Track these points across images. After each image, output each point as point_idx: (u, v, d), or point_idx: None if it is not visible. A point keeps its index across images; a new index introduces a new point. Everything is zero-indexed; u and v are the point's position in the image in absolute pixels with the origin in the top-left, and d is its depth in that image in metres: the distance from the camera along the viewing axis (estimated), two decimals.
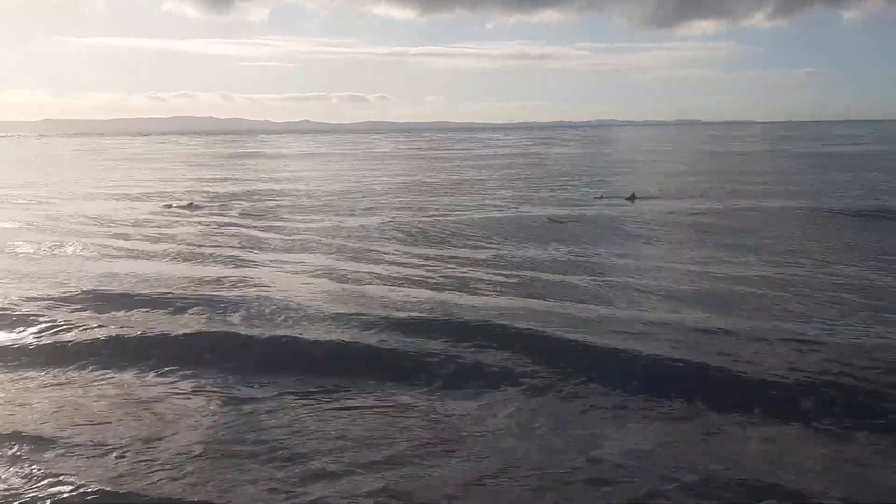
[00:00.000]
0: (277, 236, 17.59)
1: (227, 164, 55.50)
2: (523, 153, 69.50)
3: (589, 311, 10.20)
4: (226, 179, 38.24)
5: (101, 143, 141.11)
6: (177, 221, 21.14)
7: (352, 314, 9.68)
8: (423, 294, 11.01)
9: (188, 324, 9.60)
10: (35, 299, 10.89)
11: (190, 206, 25.05)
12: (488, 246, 15.98)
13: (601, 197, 25.62)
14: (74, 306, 10.49)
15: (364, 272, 13.01)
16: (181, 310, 10.27)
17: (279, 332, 8.93)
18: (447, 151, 75.52)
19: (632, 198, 24.95)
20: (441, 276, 12.48)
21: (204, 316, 9.93)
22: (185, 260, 14.84)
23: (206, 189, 32.20)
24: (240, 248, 15.98)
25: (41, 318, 9.66)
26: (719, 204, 23.22)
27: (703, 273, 12.84)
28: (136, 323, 9.68)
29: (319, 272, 13.32)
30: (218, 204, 25.96)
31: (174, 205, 25.42)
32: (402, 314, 9.76)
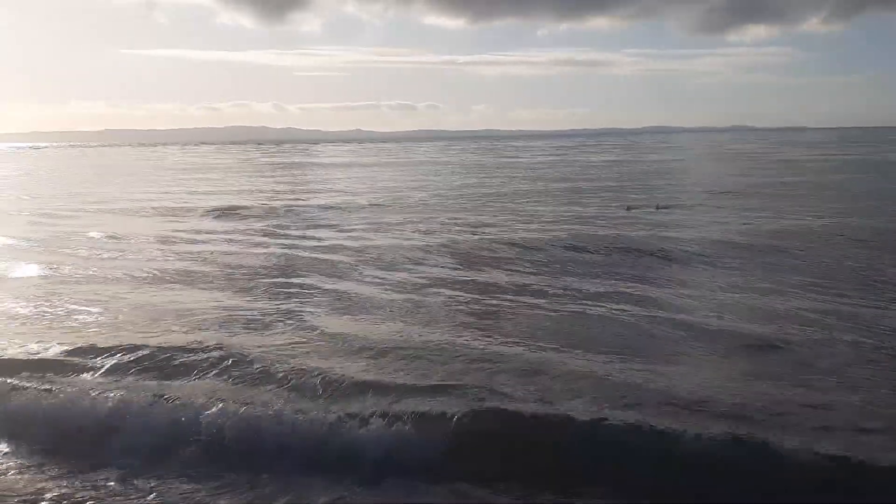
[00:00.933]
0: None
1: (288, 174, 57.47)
2: (563, 160, 69.95)
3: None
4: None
5: (157, 153, 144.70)
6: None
7: None
8: None
9: None
10: None
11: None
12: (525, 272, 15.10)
13: (628, 209, 25.92)
14: None
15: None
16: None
17: None
18: (500, 159, 76.70)
19: (657, 208, 25.39)
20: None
21: None
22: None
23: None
24: None
25: None
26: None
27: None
28: None
29: None
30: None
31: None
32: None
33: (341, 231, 21.32)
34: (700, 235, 18.23)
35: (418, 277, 14.09)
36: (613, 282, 13.46)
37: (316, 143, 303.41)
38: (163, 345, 9.73)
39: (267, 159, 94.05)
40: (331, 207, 28.56)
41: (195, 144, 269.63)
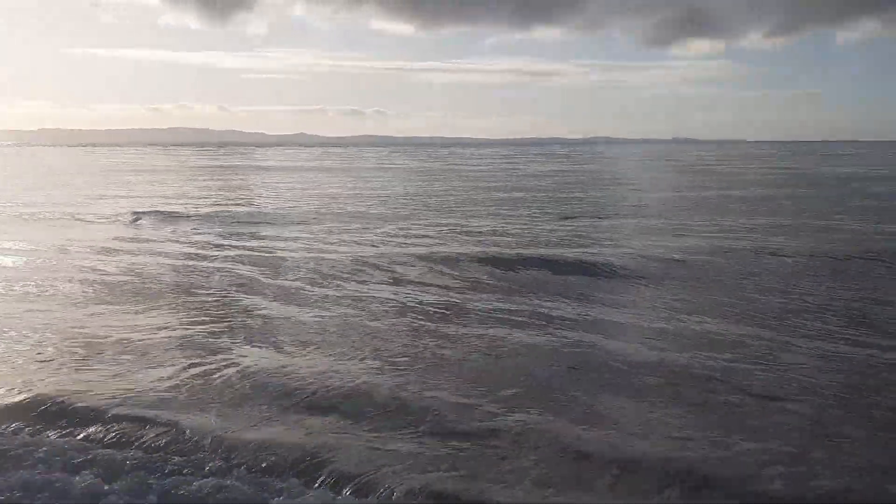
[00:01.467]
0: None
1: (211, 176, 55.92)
2: (504, 169, 69.94)
3: None
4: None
5: (92, 154, 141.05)
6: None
7: None
8: None
9: None
10: None
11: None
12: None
13: (563, 218, 25.63)
14: None
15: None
16: None
17: None
18: (446, 166, 76.22)
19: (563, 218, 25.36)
20: None
21: None
22: None
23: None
24: None
25: None
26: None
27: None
28: None
29: None
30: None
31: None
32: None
33: (257, 239, 20.63)
34: (622, 251, 17.78)
35: (334, 292, 13.52)
36: (529, 300, 12.98)
37: (260, 146, 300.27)
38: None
39: (205, 162, 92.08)
40: (254, 214, 27.67)
41: (141, 146, 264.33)
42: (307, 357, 9.48)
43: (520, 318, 11.48)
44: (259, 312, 11.99)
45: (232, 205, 31.55)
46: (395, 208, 29.62)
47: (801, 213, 26.22)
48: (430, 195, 35.99)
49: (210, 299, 12.92)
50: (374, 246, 19.03)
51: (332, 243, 19.56)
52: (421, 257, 16.92)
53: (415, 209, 29.21)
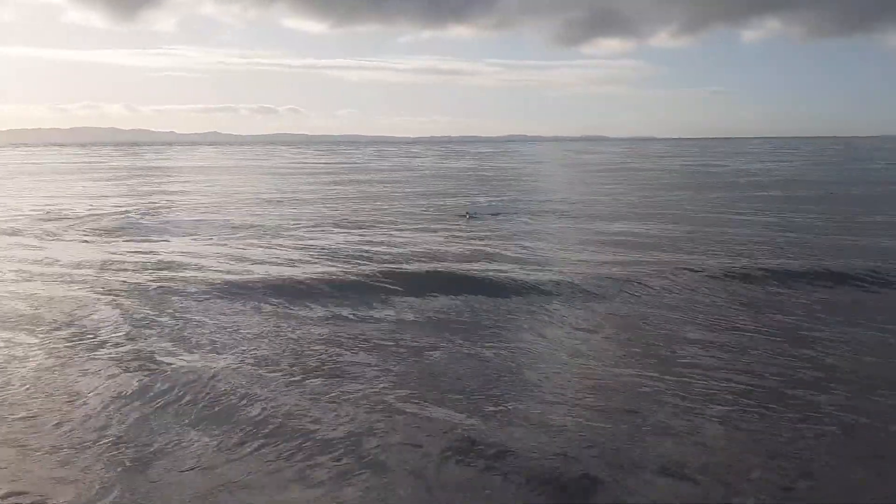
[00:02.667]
0: None
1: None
2: (415, 165, 68.90)
3: None
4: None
5: None
6: None
7: None
8: None
9: None
10: None
11: None
12: None
13: (468, 216, 24.81)
14: None
15: None
16: None
17: None
18: (357, 164, 74.54)
19: (467, 216, 24.71)
20: None
21: None
22: None
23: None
24: None
25: None
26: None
27: None
28: None
29: None
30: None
31: None
32: None
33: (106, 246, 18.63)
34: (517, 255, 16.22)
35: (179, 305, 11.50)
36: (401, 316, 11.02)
37: (170, 145, 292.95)
38: None
39: (110, 162, 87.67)
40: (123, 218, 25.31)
41: (44, 146, 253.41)
42: None
43: None
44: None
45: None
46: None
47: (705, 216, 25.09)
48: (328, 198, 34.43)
49: None
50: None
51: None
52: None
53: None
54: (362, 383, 7.64)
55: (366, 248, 17.31)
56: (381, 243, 18.14)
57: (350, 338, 9.47)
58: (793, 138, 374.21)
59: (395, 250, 16.92)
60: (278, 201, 30.43)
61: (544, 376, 7.77)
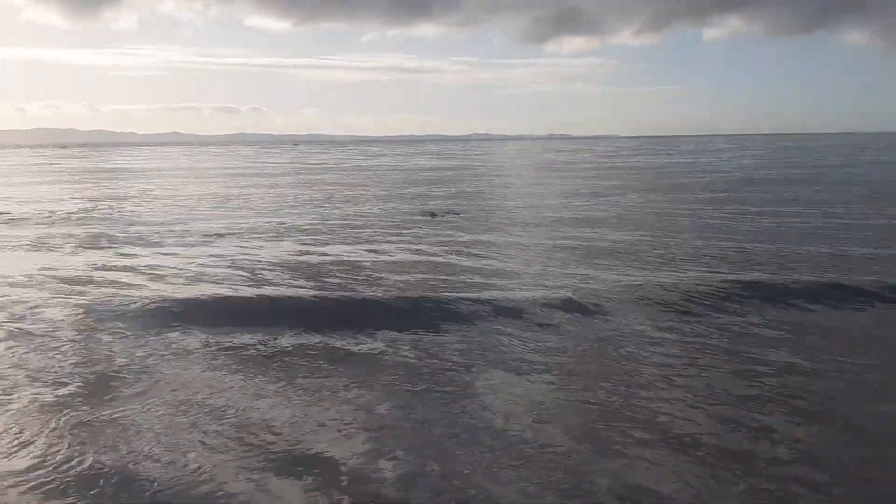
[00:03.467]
0: None
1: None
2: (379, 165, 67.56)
3: None
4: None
5: None
6: None
7: None
8: None
9: None
10: None
11: None
12: None
13: (432, 215, 24.13)
14: None
15: None
16: None
17: None
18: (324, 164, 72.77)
19: (431, 214, 24.21)
20: None
21: None
22: None
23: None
24: None
25: None
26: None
27: None
28: None
29: None
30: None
31: None
32: None
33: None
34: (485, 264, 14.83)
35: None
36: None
37: (130, 145, 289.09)
38: None
39: (65, 163, 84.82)
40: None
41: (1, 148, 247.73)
42: None
43: None
44: None
45: None
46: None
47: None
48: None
49: None
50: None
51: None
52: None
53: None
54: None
55: (311, 259, 15.56)
56: (330, 256, 16.07)
57: (248, 392, 7.41)
58: (755, 135, 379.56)
59: (350, 267, 14.75)
60: (234, 206, 28.93)
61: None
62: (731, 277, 12.22)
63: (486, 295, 11.25)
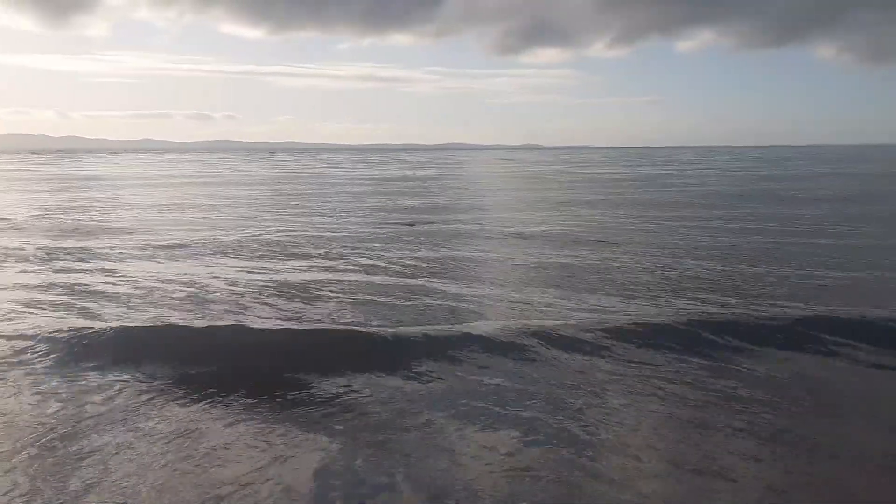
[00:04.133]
0: None
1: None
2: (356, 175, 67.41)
3: None
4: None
5: None
6: None
7: None
8: None
9: None
10: None
11: None
12: None
13: (412, 224, 24.72)
14: None
15: None
16: None
17: None
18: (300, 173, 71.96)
19: (411, 225, 24.65)
20: None
21: None
22: None
23: None
24: None
25: None
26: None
27: None
28: None
29: None
30: None
31: None
32: None
33: None
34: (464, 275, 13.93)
35: None
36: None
37: (102, 152, 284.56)
38: None
39: (35, 170, 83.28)
40: None
41: None
42: None
43: None
44: None
45: None
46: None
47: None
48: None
49: None
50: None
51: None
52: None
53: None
54: None
55: (270, 277, 13.85)
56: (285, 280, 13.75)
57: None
58: (726, 147, 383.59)
59: (304, 290, 12.72)
60: (200, 216, 27.29)
61: None
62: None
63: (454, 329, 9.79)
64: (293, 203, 34.15)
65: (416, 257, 16.62)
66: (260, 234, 20.63)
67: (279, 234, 21.12)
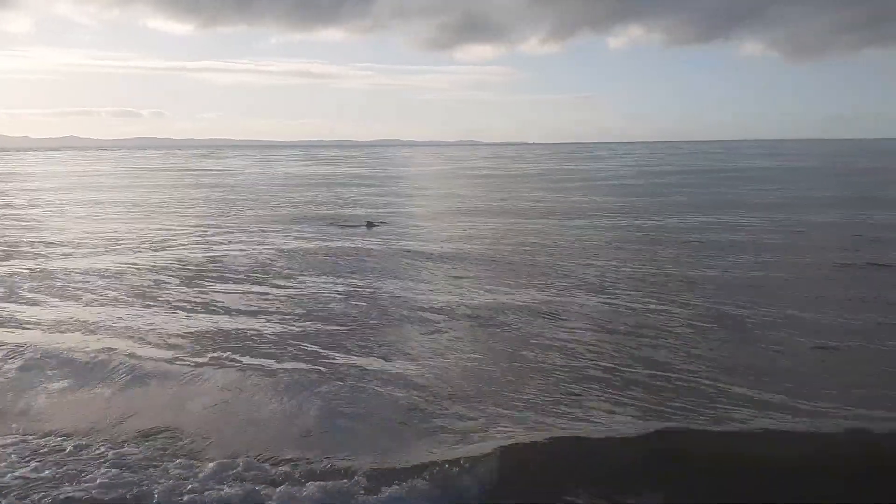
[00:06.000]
0: None
1: None
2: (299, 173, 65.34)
3: None
4: None
5: None
6: None
7: None
8: None
9: None
10: None
11: None
12: None
13: (368, 225, 22.99)
14: None
15: None
16: None
17: None
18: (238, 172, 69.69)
19: (368, 226, 22.94)
20: None
21: None
22: None
23: None
24: None
25: None
26: None
27: None
28: None
29: None
30: None
31: None
32: None
33: None
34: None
35: None
36: None
37: (26, 150, 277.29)
38: None
39: None
40: None
41: None
42: None
43: None
44: None
45: None
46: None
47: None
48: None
49: None
50: None
51: None
52: None
53: None
54: None
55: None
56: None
57: None
58: (658, 143, 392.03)
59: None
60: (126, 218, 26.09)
61: None
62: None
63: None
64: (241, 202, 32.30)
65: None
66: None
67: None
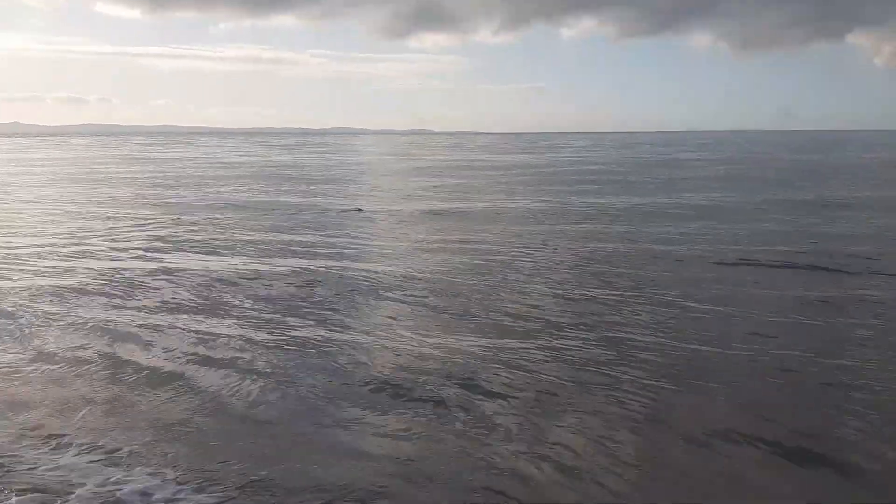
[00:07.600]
0: None
1: None
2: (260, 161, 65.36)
3: None
4: None
5: None
6: None
7: None
8: None
9: None
10: None
11: None
12: None
13: (359, 210, 24.13)
14: None
15: None
16: None
17: None
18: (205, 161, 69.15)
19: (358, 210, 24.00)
20: None
21: None
22: None
23: None
24: None
25: None
26: None
27: None
28: None
29: None
30: None
31: None
32: None
33: None
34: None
35: None
36: None
37: None
38: None
39: None
40: None
41: None
42: None
43: None
44: None
45: None
46: None
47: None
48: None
49: None
50: None
51: None
52: None
53: None
54: None
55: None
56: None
57: None
58: (609, 133, 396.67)
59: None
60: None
61: None
62: None
63: None
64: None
65: None
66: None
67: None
